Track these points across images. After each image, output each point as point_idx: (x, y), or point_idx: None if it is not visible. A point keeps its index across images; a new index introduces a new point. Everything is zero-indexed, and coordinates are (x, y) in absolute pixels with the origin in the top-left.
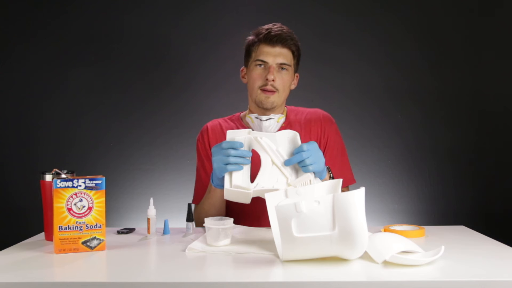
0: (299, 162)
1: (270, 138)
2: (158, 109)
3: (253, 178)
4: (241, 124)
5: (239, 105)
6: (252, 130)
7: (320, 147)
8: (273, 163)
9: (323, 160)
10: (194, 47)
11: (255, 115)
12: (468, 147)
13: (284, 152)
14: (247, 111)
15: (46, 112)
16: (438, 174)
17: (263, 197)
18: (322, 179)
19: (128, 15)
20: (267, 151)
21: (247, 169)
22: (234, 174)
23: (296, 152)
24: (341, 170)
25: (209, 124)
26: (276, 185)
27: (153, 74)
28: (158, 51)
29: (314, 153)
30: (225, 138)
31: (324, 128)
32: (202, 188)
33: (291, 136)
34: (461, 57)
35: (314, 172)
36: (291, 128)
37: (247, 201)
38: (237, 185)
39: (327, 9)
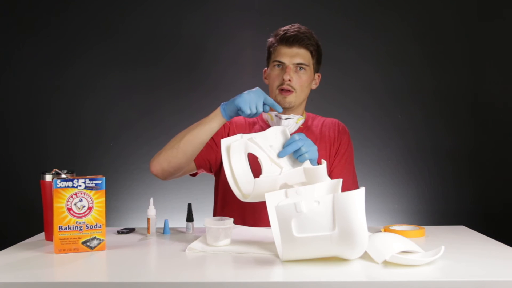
0: (295, 152)
1: (261, 136)
2: (158, 109)
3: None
4: (262, 119)
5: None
6: (268, 127)
7: (331, 151)
8: (272, 160)
9: (315, 147)
10: (194, 47)
11: (275, 113)
12: (468, 147)
13: (277, 147)
14: None
15: (46, 112)
16: (438, 174)
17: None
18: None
19: (129, 15)
20: (264, 150)
21: (249, 173)
22: (239, 179)
23: (288, 143)
24: (345, 177)
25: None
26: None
27: (153, 73)
28: (158, 51)
29: (306, 141)
30: (248, 129)
31: (337, 135)
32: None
33: (280, 131)
34: (461, 57)
35: (310, 160)
36: (307, 131)
37: (274, 190)
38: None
39: (327, 9)
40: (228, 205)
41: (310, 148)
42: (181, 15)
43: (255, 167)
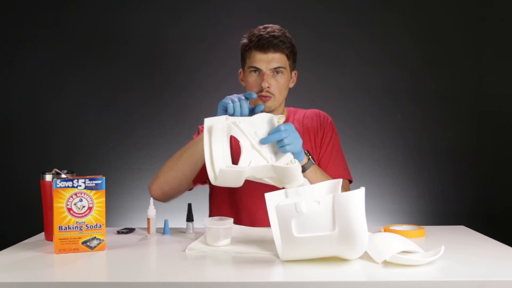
0: (278, 142)
1: (247, 121)
2: (158, 109)
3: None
4: None
5: None
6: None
7: (316, 141)
8: (253, 147)
9: (300, 141)
10: (193, 47)
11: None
12: (468, 147)
13: (262, 135)
14: None
15: (46, 112)
16: (438, 174)
17: (253, 180)
18: (300, 161)
19: (128, 17)
20: (246, 135)
21: (228, 154)
22: (216, 159)
23: (273, 132)
24: (335, 164)
25: None
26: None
27: (153, 74)
28: (159, 52)
29: (291, 134)
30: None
31: (320, 123)
32: None
33: (267, 119)
34: (461, 57)
35: (292, 153)
36: None
37: (240, 183)
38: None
39: (326, 9)
40: (223, 209)
41: (294, 140)
42: (181, 15)
43: (237, 150)
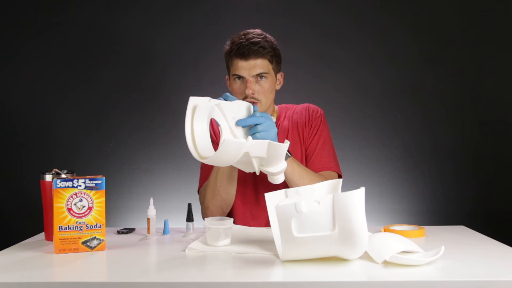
0: (251, 129)
1: (228, 106)
2: (158, 109)
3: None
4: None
5: None
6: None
7: (304, 135)
8: (231, 131)
9: (274, 130)
10: (192, 47)
11: None
12: (468, 147)
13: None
14: None
15: (46, 112)
16: (438, 174)
17: (239, 162)
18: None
19: (128, 16)
20: (227, 118)
21: (207, 136)
22: (198, 137)
23: (250, 116)
24: (319, 156)
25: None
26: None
27: (152, 74)
28: (158, 51)
29: (267, 121)
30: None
31: (309, 117)
32: (208, 171)
33: (246, 106)
34: (461, 57)
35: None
36: (282, 124)
37: (235, 159)
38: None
39: (326, 9)
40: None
41: (268, 129)
42: (181, 16)
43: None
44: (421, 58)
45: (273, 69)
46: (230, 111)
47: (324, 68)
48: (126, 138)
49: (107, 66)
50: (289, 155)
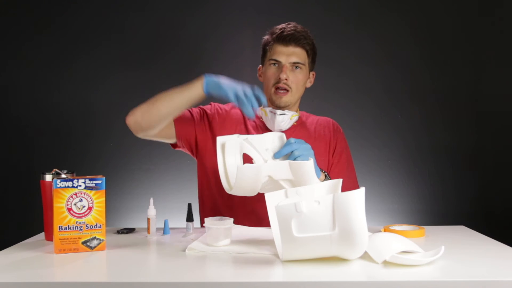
0: (289, 158)
1: (258, 139)
2: None
3: None
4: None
5: None
6: (263, 124)
7: (330, 150)
8: (265, 162)
9: (311, 152)
10: (193, 47)
11: (270, 108)
12: (468, 147)
13: (273, 151)
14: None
15: (46, 112)
16: (438, 174)
17: (267, 187)
18: (318, 177)
19: (129, 16)
20: (258, 151)
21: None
22: (230, 172)
23: (284, 145)
24: (350, 184)
25: (229, 107)
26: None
27: (153, 74)
28: (159, 51)
29: (302, 145)
30: (229, 124)
31: (333, 134)
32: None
33: (278, 136)
34: (460, 57)
35: None
36: (302, 128)
37: (257, 186)
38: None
39: (326, 9)
40: (205, 204)
41: (304, 152)
42: (181, 16)
43: None
44: (421, 58)
45: (309, 63)
46: (260, 143)
47: (324, 68)
48: (126, 138)
49: (107, 66)
50: (322, 170)
